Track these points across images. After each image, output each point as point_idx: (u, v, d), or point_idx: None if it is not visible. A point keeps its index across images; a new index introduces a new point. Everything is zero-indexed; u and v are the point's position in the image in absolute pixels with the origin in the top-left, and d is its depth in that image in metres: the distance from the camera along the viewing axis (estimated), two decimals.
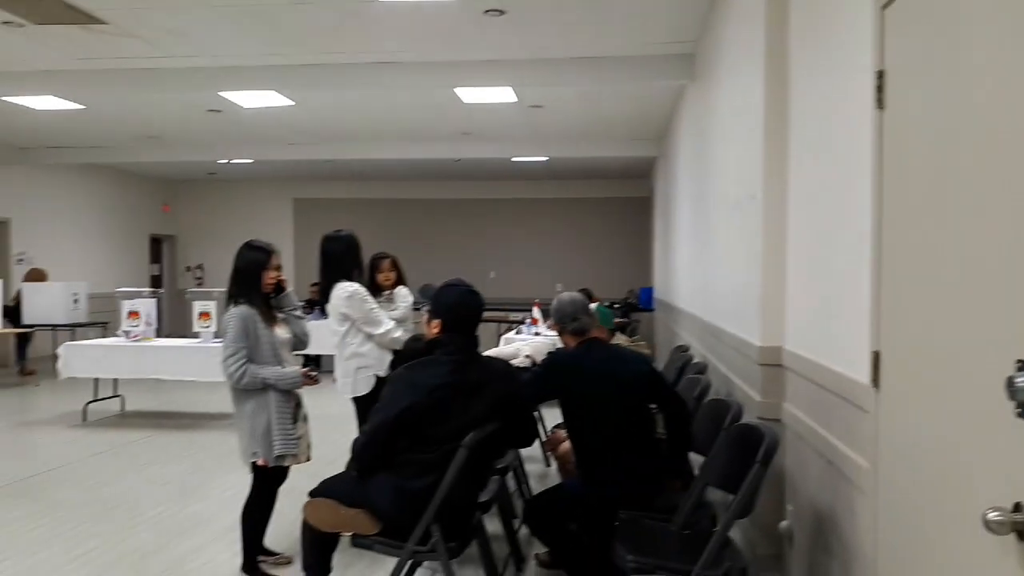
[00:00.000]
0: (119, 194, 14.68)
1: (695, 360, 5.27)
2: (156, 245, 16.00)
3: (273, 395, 3.44)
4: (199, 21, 6.11)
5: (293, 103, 8.72)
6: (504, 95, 8.31)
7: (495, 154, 11.83)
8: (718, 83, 5.25)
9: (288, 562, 3.72)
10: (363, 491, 2.82)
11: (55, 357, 7.66)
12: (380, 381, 4.11)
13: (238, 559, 3.62)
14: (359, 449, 2.89)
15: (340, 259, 4.23)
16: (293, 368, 3.54)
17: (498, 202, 15.94)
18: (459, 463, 2.70)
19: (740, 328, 4.03)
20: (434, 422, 2.80)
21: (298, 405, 3.60)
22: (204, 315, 7.44)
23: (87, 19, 5.92)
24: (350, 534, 2.88)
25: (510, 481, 4.04)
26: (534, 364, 3.92)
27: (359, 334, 4.20)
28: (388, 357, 4.19)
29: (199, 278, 15.96)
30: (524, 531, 3.62)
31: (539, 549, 3.70)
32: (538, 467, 5.45)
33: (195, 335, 7.56)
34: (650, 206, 14.30)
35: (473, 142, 11.36)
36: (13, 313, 10.32)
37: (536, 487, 4.51)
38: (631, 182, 15.18)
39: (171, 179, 16.00)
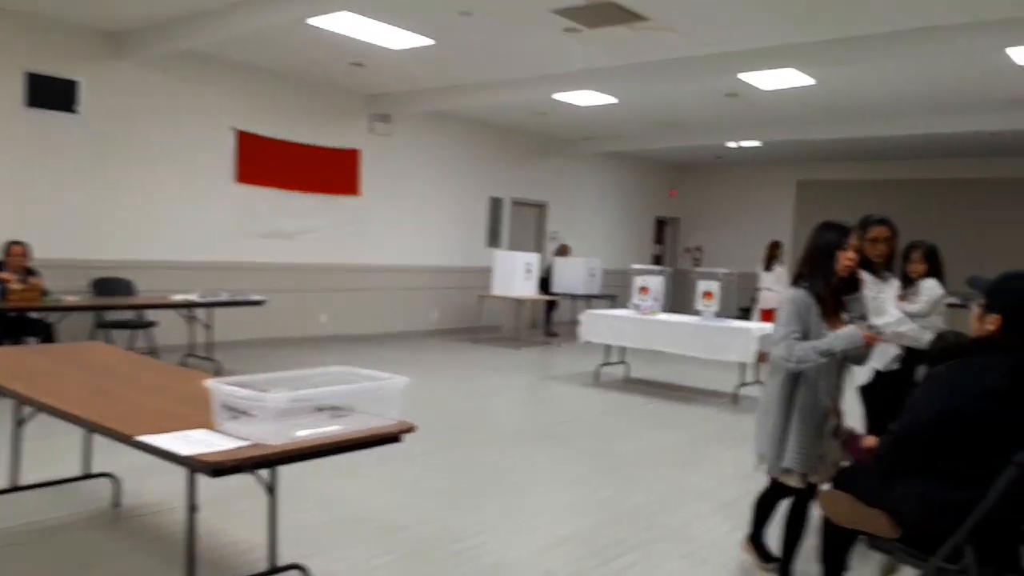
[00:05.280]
0: (632, 179, 16.10)
1: None
2: (660, 227, 17.17)
3: (801, 400, 3.09)
4: (724, 4, 6.26)
5: (813, 82, 8.43)
6: None
7: None
8: None
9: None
10: (886, 492, 2.60)
11: (574, 323, 8.77)
12: (878, 375, 4.10)
13: (739, 533, 3.65)
14: (883, 449, 2.66)
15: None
16: (847, 328, 3.01)
17: None
18: (1007, 480, 2.30)
19: None
20: (976, 432, 2.44)
21: (826, 417, 3.11)
22: (707, 295, 7.71)
23: (632, 17, 6.53)
24: (866, 534, 2.68)
25: None
26: None
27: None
28: (892, 350, 4.07)
29: (697, 259, 16.68)
30: None
31: None
32: None
33: (696, 313, 7.88)
34: None
35: None
36: (544, 283, 12.17)
37: None
38: None
39: (679, 164, 16.95)
